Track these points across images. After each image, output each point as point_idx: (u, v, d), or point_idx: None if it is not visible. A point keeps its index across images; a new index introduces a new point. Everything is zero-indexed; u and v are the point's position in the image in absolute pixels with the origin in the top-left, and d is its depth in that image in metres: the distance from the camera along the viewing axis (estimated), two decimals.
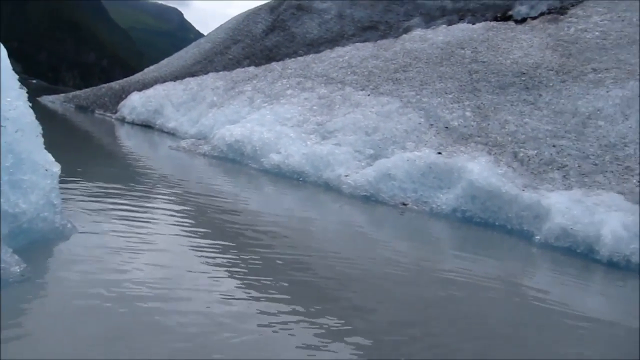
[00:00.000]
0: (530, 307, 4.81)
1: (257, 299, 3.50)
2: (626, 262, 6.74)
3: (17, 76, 3.57)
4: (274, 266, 4.49)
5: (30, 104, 3.65)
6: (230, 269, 4.07)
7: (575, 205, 7.46)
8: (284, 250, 5.15)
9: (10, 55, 3.63)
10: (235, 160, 11.13)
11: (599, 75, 10.96)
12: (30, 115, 3.55)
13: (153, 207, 5.88)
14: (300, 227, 6.66)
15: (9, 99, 3.40)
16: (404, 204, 8.69)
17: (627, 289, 6.49)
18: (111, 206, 5.44)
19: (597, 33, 12.96)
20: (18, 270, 2.78)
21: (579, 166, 8.59)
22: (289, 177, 9.98)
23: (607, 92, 10.20)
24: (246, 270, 4.15)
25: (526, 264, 7.03)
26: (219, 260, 4.30)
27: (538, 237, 7.52)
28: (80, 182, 6.38)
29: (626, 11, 13.53)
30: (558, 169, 8.66)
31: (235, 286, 3.69)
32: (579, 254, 7.11)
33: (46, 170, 3.52)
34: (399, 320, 3.74)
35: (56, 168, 3.64)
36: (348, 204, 8.83)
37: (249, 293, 3.58)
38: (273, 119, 12.01)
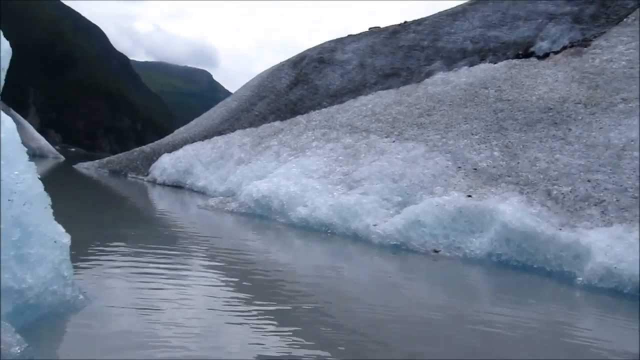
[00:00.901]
0: (574, 351, 4.55)
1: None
2: None
3: (25, 149, 3.55)
4: (311, 316, 4.43)
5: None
6: (278, 329, 3.90)
7: (617, 243, 7.07)
8: (319, 302, 5.01)
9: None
10: (263, 215, 11.05)
11: (630, 105, 10.64)
12: (38, 187, 3.50)
13: (180, 272, 5.76)
14: (333, 281, 6.52)
15: (17, 172, 3.36)
16: (436, 251, 8.40)
17: None
18: (135, 269, 5.36)
19: (623, 62, 12.69)
20: (18, 351, 2.65)
21: (617, 200, 8.21)
22: (317, 230, 9.82)
23: None
24: (286, 322, 4.00)
25: (571, 309, 6.63)
26: (260, 320, 4.27)
27: (580, 278, 7.12)
28: (110, 246, 6.34)
29: None
30: (595, 205, 8.29)
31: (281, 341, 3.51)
32: (626, 294, 6.68)
33: (55, 242, 3.45)
34: None
35: (66, 239, 3.57)
36: (378, 254, 8.60)
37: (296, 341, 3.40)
38: (299, 172, 11.95)
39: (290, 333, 4.10)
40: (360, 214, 9.51)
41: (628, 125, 9.95)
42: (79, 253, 5.82)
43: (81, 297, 3.66)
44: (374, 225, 9.11)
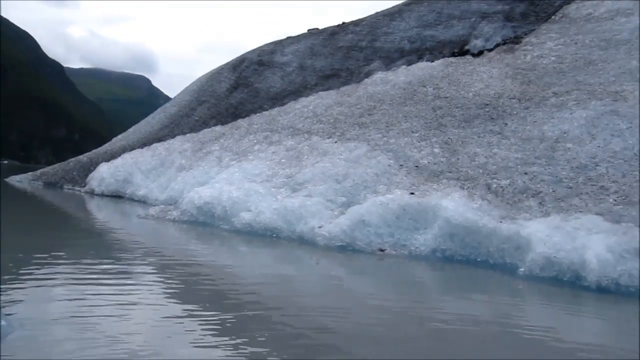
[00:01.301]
0: (523, 342, 4.64)
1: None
2: (615, 285, 6.50)
3: None
4: (258, 324, 4.38)
5: None
6: (224, 339, 3.75)
7: (555, 232, 7.25)
8: (266, 309, 5.00)
9: None
10: (206, 223, 10.81)
11: (561, 98, 11.00)
12: None
13: (121, 284, 5.51)
14: (280, 286, 6.45)
15: None
16: (382, 250, 8.41)
17: (621, 312, 6.24)
18: (72, 283, 5.08)
19: (552, 58, 13.13)
20: None
21: (553, 191, 8.45)
22: (262, 235, 9.68)
23: (571, 114, 10.20)
24: (234, 329, 3.94)
25: (515, 299, 6.74)
26: (205, 327, 4.18)
27: (522, 269, 7.27)
28: (45, 260, 6.00)
29: (577, 34, 13.78)
30: (533, 197, 8.50)
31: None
32: (566, 282, 6.86)
33: None
34: None
35: None
36: (324, 256, 8.54)
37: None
38: (242, 177, 11.77)
39: (238, 342, 4.02)
40: (305, 217, 9.44)
41: (560, 118, 10.27)
42: (14, 268, 5.49)
43: (3, 323, 3.41)
44: (319, 227, 9.05)
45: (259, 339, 4.14)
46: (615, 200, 7.71)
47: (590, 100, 10.42)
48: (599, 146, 9.14)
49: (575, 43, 13.25)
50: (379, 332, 4.68)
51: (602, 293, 6.52)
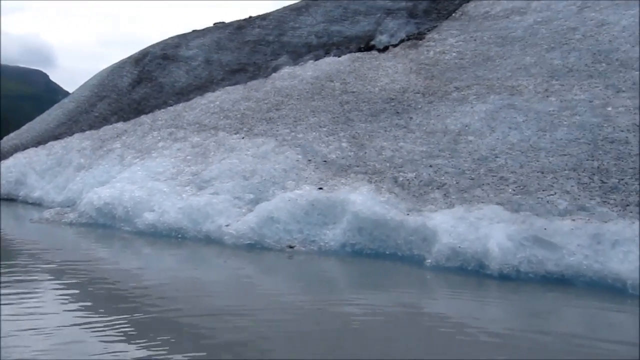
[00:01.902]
0: (433, 330, 4.84)
1: None
2: (516, 272, 6.72)
3: None
4: (167, 326, 4.41)
5: None
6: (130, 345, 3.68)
7: (459, 223, 7.41)
8: (175, 311, 4.99)
9: None
10: (106, 225, 10.23)
11: (462, 92, 11.32)
12: None
13: (18, 293, 5.02)
14: (187, 287, 6.28)
15: None
16: (291, 247, 8.27)
17: (522, 297, 6.47)
18: None
19: (454, 54, 13.52)
20: None
21: (457, 183, 8.65)
22: (167, 236, 9.28)
23: (472, 107, 10.51)
24: (142, 332, 4.08)
25: (422, 290, 6.86)
26: (109, 333, 4.14)
27: (429, 260, 7.37)
28: None
29: (476, 31, 14.28)
30: (438, 189, 8.66)
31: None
32: (470, 271, 7.02)
33: None
34: None
35: None
36: (233, 255, 8.31)
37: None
38: (145, 175, 11.25)
39: (146, 345, 4.00)
40: (211, 215, 9.13)
41: (462, 111, 10.57)
42: None
43: None
44: (227, 225, 8.78)
45: (168, 340, 4.11)
46: (514, 190, 7.99)
47: (489, 95, 10.79)
48: (498, 138, 9.47)
49: (475, 40, 13.72)
50: (291, 328, 4.70)
51: (504, 280, 6.72)
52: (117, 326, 4.41)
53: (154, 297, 5.65)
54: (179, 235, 9.21)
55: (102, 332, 4.24)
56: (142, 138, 14.51)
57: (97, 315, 4.72)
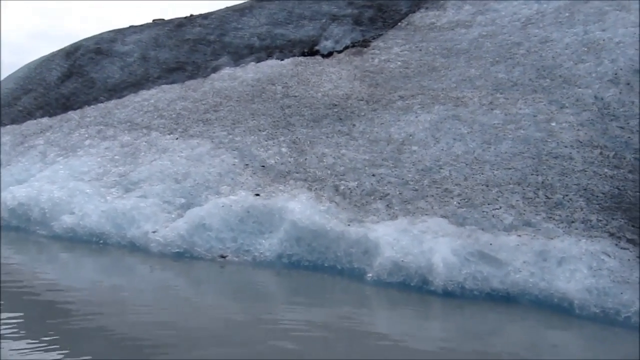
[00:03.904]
0: (370, 348, 4.69)
1: None
2: (461, 289, 6.40)
3: None
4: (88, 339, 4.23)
5: None
6: None
7: (403, 236, 7.05)
8: (96, 322, 4.72)
9: None
10: (20, 227, 9.34)
11: (407, 102, 11.06)
12: None
13: None
14: (109, 296, 5.95)
15: None
16: (223, 256, 7.68)
17: (466, 316, 6.18)
18: None
19: (399, 63, 13.30)
20: None
21: (400, 193, 8.31)
22: (87, 241, 8.50)
23: (416, 117, 10.25)
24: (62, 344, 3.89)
25: (362, 305, 6.47)
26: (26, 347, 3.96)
27: (370, 274, 6.96)
28: None
29: (422, 41, 14.13)
30: (380, 199, 8.29)
31: None
32: (413, 287, 6.66)
33: None
34: None
35: None
36: (159, 264, 7.66)
37: None
38: (67, 174, 10.36)
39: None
40: (137, 220, 8.41)
41: (406, 121, 10.29)
42: None
43: None
44: (154, 232, 8.10)
45: (90, 353, 4.01)
46: (459, 203, 7.72)
47: (434, 105, 10.56)
48: (442, 149, 9.22)
49: (420, 50, 13.55)
50: (219, 345, 4.51)
51: (448, 297, 6.40)
52: (36, 339, 4.16)
53: (75, 307, 5.32)
54: (101, 241, 8.45)
55: (17, 345, 3.93)
56: (68, 135, 13.53)
57: (12, 327, 4.23)
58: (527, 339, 5.64)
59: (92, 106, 15.82)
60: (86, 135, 12.87)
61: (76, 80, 19.11)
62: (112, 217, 8.57)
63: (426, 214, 7.60)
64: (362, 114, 11.00)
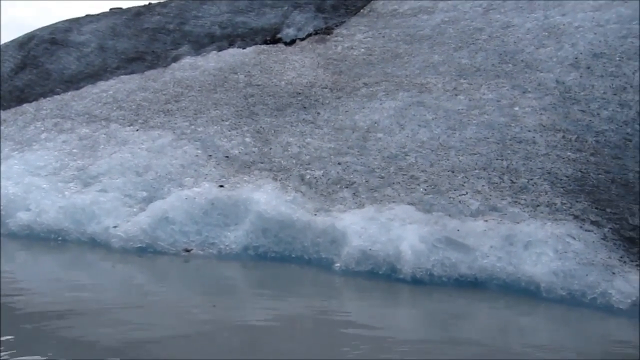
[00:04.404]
0: (340, 337, 4.70)
1: None
2: (429, 276, 6.38)
3: None
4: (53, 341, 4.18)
5: None
6: None
7: (370, 224, 6.98)
8: (59, 322, 4.61)
9: None
10: None
11: (371, 89, 10.99)
12: None
13: None
14: (72, 294, 5.71)
15: None
16: (188, 250, 7.49)
17: (434, 303, 6.17)
18: None
19: (362, 50, 13.20)
20: None
21: (366, 181, 8.24)
22: (45, 238, 8.18)
23: (381, 104, 10.19)
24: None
25: (330, 295, 6.40)
26: None
27: (338, 264, 6.88)
28: None
29: (385, 28, 14.07)
30: (347, 187, 8.21)
31: None
32: (382, 275, 6.60)
33: None
34: None
35: None
36: (121, 260, 7.42)
37: None
38: (22, 169, 9.96)
39: None
40: (97, 215, 8.14)
41: (371, 108, 10.22)
42: None
43: None
44: (115, 227, 7.84)
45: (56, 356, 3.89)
46: (426, 190, 7.69)
47: (398, 92, 10.52)
48: (407, 136, 9.18)
49: (383, 36, 13.48)
50: (187, 338, 4.44)
51: (417, 284, 6.38)
52: None
53: (36, 307, 5.12)
54: (59, 238, 8.14)
55: None
56: (22, 129, 13.04)
57: None
58: (496, 323, 5.66)
59: (47, 98, 15.30)
60: (42, 129, 12.42)
61: (31, 72, 18.47)
62: (71, 212, 8.27)
63: (393, 202, 7.55)
64: (327, 102, 10.88)
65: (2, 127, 13.84)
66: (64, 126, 12.23)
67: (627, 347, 4.96)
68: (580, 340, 5.20)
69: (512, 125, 8.79)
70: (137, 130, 10.75)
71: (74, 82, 16.72)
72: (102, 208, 8.23)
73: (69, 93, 15.13)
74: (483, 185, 7.62)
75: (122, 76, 15.27)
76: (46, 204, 8.48)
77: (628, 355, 4.73)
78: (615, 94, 8.94)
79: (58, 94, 15.71)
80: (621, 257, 6.14)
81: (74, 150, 10.54)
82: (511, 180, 7.66)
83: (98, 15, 20.89)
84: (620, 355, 4.82)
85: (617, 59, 9.52)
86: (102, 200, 8.36)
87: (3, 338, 4.15)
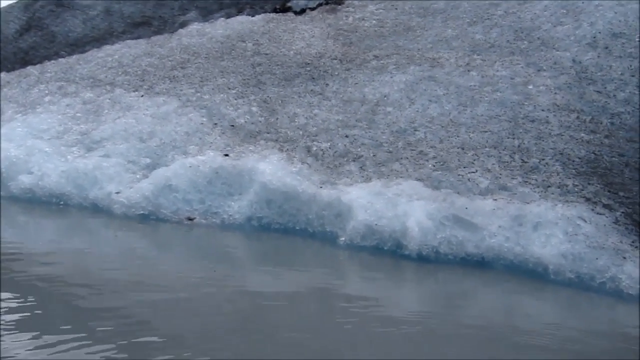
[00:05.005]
0: (343, 313, 4.65)
1: None
2: (435, 253, 6.27)
3: None
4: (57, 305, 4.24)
5: None
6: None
7: (376, 199, 6.85)
8: (63, 288, 4.64)
9: None
10: None
11: (381, 61, 10.76)
12: None
13: None
14: (73, 260, 5.68)
15: None
16: (190, 219, 7.39)
17: (439, 281, 6.08)
18: None
19: (374, 21, 12.92)
20: None
21: (374, 155, 8.09)
22: (47, 202, 8.09)
23: (391, 77, 9.97)
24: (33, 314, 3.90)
25: (334, 270, 6.31)
26: None
27: (343, 238, 6.76)
28: None
29: (398, 0, 13.75)
30: (354, 161, 8.06)
31: None
32: (387, 251, 6.49)
33: None
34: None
35: None
36: (124, 227, 7.32)
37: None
38: (25, 132, 9.82)
39: (41, 328, 3.74)
40: (100, 180, 8.03)
41: (381, 81, 10.01)
42: None
43: None
44: (117, 192, 7.73)
45: (61, 322, 3.90)
46: (434, 166, 7.54)
47: (409, 65, 10.29)
48: (417, 111, 8.99)
49: (396, 9, 13.18)
50: (188, 307, 4.43)
51: (422, 262, 6.27)
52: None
53: (39, 272, 5.07)
54: (61, 202, 8.04)
55: None
56: (26, 91, 12.87)
57: None
58: (501, 304, 5.57)
59: (52, 61, 15.07)
60: (46, 92, 12.25)
61: (35, 34, 18.22)
62: (73, 177, 8.16)
63: (401, 177, 7.40)
64: (336, 73, 10.66)
65: (5, 89, 13.67)
66: (68, 90, 12.05)
67: (633, 332, 4.86)
68: (586, 324, 5.09)
69: (525, 103, 8.58)
70: (142, 96, 10.57)
71: (79, 45, 16.49)
72: (105, 173, 8.11)
73: (74, 56, 14.91)
74: (493, 164, 7.46)
75: (128, 41, 15.01)
76: (48, 168, 8.36)
77: (633, 339, 4.63)
78: (633, 76, 8.70)
79: (63, 57, 15.50)
80: (633, 242, 6.01)
81: (78, 114, 10.39)
82: (522, 159, 7.49)
83: None
84: (626, 341, 4.71)
85: (637, 39, 9.25)
86: (105, 165, 8.24)
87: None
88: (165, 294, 4.71)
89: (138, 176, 8.10)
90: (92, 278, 5.05)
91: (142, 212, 7.49)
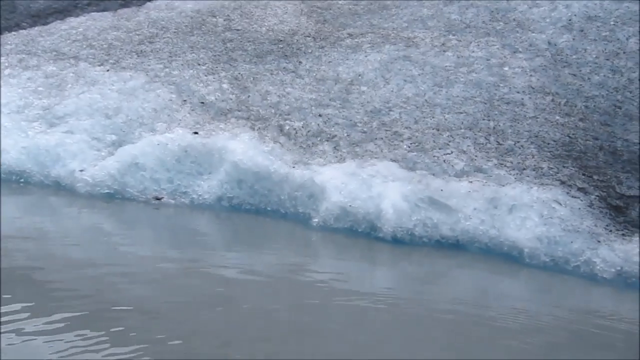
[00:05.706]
0: (312, 291, 4.65)
1: None
2: (410, 236, 6.16)
3: None
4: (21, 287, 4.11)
5: None
6: None
7: (351, 180, 6.70)
8: (26, 269, 4.50)
9: None
10: None
11: (356, 40, 10.55)
12: None
13: None
14: (35, 240, 5.51)
15: None
16: (158, 198, 7.13)
17: (413, 263, 6.01)
18: None
19: None
20: None
21: (348, 135, 7.92)
22: (6, 180, 7.72)
23: (366, 56, 9.78)
24: None
25: (306, 251, 6.17)
26: None
27: (316, 219, 6.61)
28: None
29: None
30: (327, 140, 7.89)
31: None
32: (361, 233, 6.37)
33: None
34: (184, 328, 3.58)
35: None
36: (87, 206, 7.05)
37: None
38: None
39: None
40: (63, 158, 7.68)
41: (355, 60, 9.81)
42: None
43: None
44: (81, 170, 7.41)
45: (25, 304, 3.73)
46: (409, 147, 7.42)
47: (384, 44, 10.11)
48: (392, 91, 8.84)
49: None
50: (153, 288, 4.35)
51: (397, 244, 6.17)
52: None
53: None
54: (21, 180, 7.69)
55: None
56: None
57: None
58: (475, 286, 5.53)
59: (13, 33, 14.43)
60: (6, 64, 11.69)
61: None
62: (34, 154, 7.80)
63: (375, 158, 7.26)
64: (309, 51, 10.42)
65: None
66: (29, 63, 11.53)
67: (607, 316, 4.86)
68: (558, 308, 5.07)
69: (501, 85, 8.51)
70: (108, 70, 10.16)
71: (41, 16, 15.82)
72: (68, 150, 7.77)
73: (36, 28, 14.29)
74: (468, 146, 7.37)
75: (93, 13, 14.43)
76: (8, 144, 7.98)
77: (606, 324, 4.62)
78: (607, 59, 8.69)
79: (24, 28, 14.85)
80: (607, 226, 6.00)
81: (40, 89, 9.93)
82: (497, 141, 7.43)
83: None
84: (599, 324, 4.69)
85: (612, 23, 9.24)
86: (68, 142, 7.89)
87: None
88: (129, 273, 4.57)
89: (103, 153, 7.78)
90: (53, 260, 4.84)
91: (107, 191, 7.20)
